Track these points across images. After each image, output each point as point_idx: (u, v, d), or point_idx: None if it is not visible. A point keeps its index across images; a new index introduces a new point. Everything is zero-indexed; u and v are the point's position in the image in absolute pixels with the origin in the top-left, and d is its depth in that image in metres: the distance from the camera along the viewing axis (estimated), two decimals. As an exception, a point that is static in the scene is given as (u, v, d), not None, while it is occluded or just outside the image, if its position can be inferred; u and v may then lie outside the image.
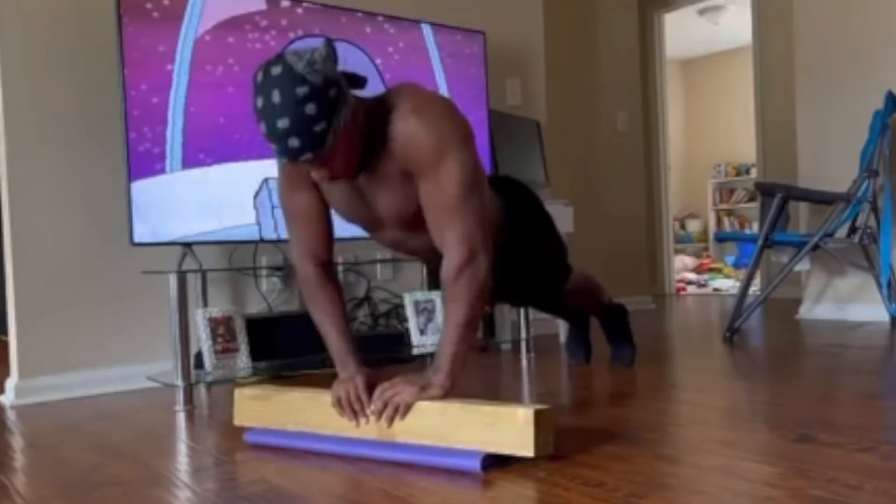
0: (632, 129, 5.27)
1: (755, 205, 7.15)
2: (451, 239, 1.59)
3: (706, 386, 2.34)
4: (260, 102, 1.45)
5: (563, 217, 3.50)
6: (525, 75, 3.92)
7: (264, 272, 2.95)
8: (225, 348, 2.57)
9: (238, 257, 2.87)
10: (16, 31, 2.54)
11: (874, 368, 2.51)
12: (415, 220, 1.70)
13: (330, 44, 1.49)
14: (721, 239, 4.10)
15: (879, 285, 3.52)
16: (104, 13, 2.58)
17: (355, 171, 1.61)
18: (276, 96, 1.42)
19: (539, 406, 1.48)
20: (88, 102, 2.65)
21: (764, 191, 3.61)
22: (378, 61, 2.96)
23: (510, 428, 1.46)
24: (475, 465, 1.46)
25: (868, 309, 3.79)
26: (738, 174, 8.14)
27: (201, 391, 2.56)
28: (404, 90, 1.62)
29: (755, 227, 7.54)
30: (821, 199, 3.70)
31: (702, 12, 6.74)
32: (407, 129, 1.55)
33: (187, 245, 2.54)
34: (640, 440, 1.67)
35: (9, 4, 2.53)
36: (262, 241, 2.69)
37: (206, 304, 2.70)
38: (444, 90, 3.15)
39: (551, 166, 3.96)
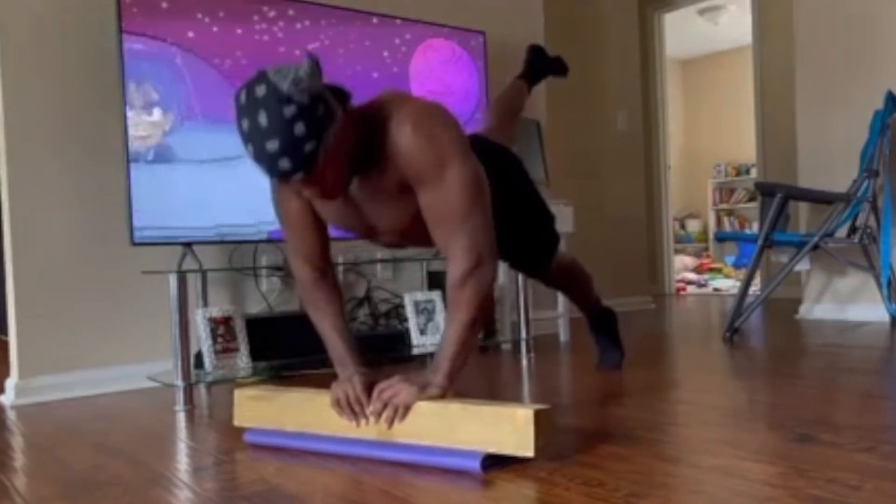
0: (632, 128, 5.27)
1: (755, 205, 7.15)
2: (458, 247, 1.58)
3: (706, 386, 2.34)
4: (246, 125, 1.41)
5: (563, 217, 3.50)
6: (525, 75, 3.91)
7: (264, 272, 2.95)
8: (225, 348, 2.57)
9: (238, 257, 2.87)
10: (16, 32, 2.54)
11: (874, 368, 2.51)
12: (410, 228, 1.69)
13: (313, 59, 1.45)
14: (721, 239, 4.10)
15: (879, 285, 3.52)
16: (104, 13, 2.58)
17: (345, 186, 1.58)
18: (262, 118, 1.38)
19: (539, 406, 1.48)
20: (88, 102, 2.65)
21: (764, 191, 3.61)
22: (380, 60, 2.96)
23: (510, 428, 1.46)
24: (475, 465, 1.46)
25: (868, 309, 3.79)
26: (738, 174, 8.14)
27: (201, 391, 2.56)
28: (396, 99, 1.59)
29: (755, 227, 7.54)
30: (821, 199, 3.70)
31: (702, 12, 6.74)
32: (406, 141, 1.52)
33: (187, 245, 2.54)
34: (640, 440, 1.67)
35: (9, 5, 2.53)
36: (261, 241, 2.69)
37: (206, 304, 2.70)
38: (443, 90, 3.15)
39: (551, 166, 3.96)
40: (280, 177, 1.43)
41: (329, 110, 1.43)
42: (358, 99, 1.58)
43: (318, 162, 1.43)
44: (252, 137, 1.40)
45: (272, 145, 1.38)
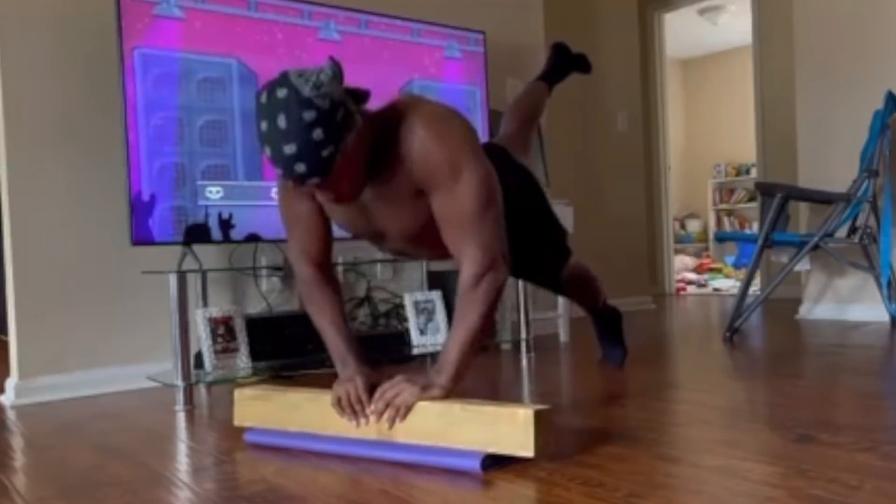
0: (632, 129, 5.27)
1: (755, 205, 7.15)
2: (471, 250, 1.58)
3: (706, 386, 2.34)
4: (264, 126, 1.41)
5: (563, 217, 3.49)
6: (525, 75, 3.91)
7: (264, 272, 2.95)
8: (225, 348, 2.57)
9: (238, 257, 2.87)
10: (16, 32, 2.54)
11: (874, 368, 2.51)
12: (420, 235, 1.69)
13: (335, 63, 1.45)
14: (721, 239, 4.10)
15: (879, 285, 3.52)
16: (104, 13, 2.58)
17: (359, 192, 1.58)
18: (281, 121, 1.38)
19: (539, 406, 1.48)
20: (88, 102, 2.65)
21: (764, 191, 3.61)
22: (380, 60, 2.96)
23: (510, 428, 1.46)
24: (475, 465, 1.46)
25: (868, 309, 3.79)
26: (738, 174, 8.14)
27: (201, 391, 2.56)
28: (411, 103, 1.59)
29: (755, 227, 7.54)
30: (821, 199, 3.70)
31: (702, 12, 6.74)
32: (418, 144, 1.52)
33: (187, 245, 2.54)
34: (640, 440, 1.67)
35: (9, 4, 2.53)
36: (261, 240, 2.69)
37: (206, 304, 2.70)
38: (443, 89, 3.15)
39: (551, 166, 3.97)
40: (296, 179, 1.43)
41: (348, 116, 1.43)
42: (359, 83, 1.57)
43: (335, 167, 1.43)
44: (270, 139, 1.41)
45: (290, 149, 1.39)
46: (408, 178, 1.56)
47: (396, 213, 1.64)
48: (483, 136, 3.27)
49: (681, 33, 7.14)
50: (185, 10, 2.51)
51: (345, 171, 1.46)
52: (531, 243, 2.11)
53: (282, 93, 1.39)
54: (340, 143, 1.41)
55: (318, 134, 1.38)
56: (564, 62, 2.65)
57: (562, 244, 2.25)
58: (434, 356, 2.96)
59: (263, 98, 1.42)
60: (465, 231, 1.58)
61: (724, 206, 8.35)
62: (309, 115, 1.38)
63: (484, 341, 1.66)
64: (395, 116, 1.55)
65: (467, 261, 1.59)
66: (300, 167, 1.40)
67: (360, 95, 1.52)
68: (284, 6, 2.72)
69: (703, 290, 6.72)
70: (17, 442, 1.99)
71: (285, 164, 1.41)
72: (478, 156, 1.58)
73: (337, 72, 1.44)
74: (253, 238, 2.65)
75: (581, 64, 2.70)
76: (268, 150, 1.42)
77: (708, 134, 8.40)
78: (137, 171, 2.40)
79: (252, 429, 1.81)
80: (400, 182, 1.57)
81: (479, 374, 2.74)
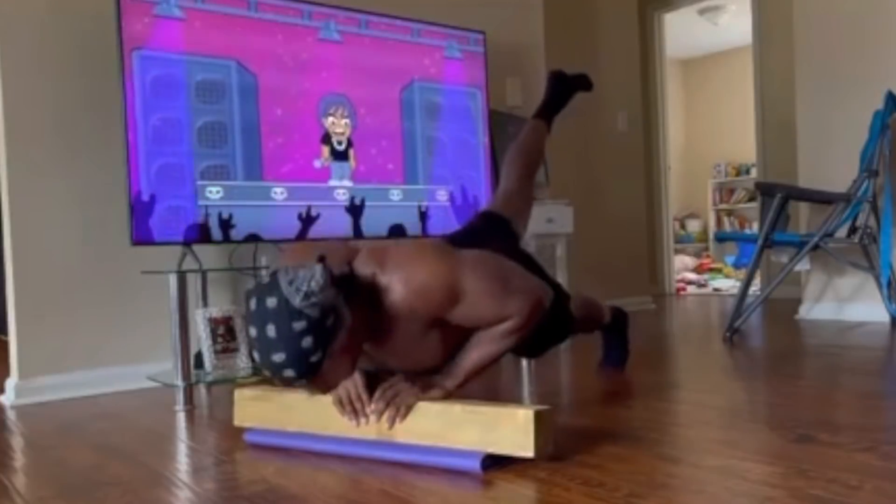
0: (632, 129, 5.26)
1: (755, 205, 7.15)
2: (516, 313, 1.62)
3: (706, 386, 2.34)
4: (254, 332, 1.40)
5: (563, 217, 3.51)
6: (525, 75, 3.92)
7: (264, 272, 2.95)
8: (225, 348, 2.57)
9: (238, 257, 2.87)
10: (16, 31, 2.54)
11: (874, 368, 2.51)
12: (429, 368, 1.71)
13: (325, 266, 1.42)
14: (721, 239, 4.10)
15: (879, 285, 3.52)
16: (104, 13, 2.58)
17: (351, 372, 1.57)
18: (271, 331, 1.37)
19: (539, 406, 1.48)
20: (88, 103, 2.65)
21: (764, 191, 3.61)
22: (380, 60, 2.96)
23: (510, 428, 1.46)
24: (475, 465, 1.46)
25: (868, 309, 3.79)
26: (738, 174, 8.14)
27: (201, 391, 2.56)
28: (377, 260, 1.55)
29: (755, 227, 7.54)
30: (821, 199, 3.70)
31: (702, 12, 6.73)
32: (408, 305, 1.51)
33: (187, 245, 2.54)
34: (641, 440, 1.67)
35: (9, 4, 2.53)
36: (261, 241, 2.69)
37: (206, 304, 2.70)
38: (443, 90, 3.15)
39: (551, 166, 3.96)
40: (284, 382, 1.43)
41: (339, 318, 1.41)
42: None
43: (324, 368, 1.42)
44: (259, 346, 1.40)
45: (278, 357, 1.38)
46: (408, 326, 1.56)
47: (400, 359, 1.67)
48: (483, 136, 3.27)
49: (681, 33, 7.13)
50: (185, 10, 2.51)
51: (334, 366, 1.45)
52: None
53: (271, 302, 1.38)
54: (329, 348, 1.40)
55: (307, 343, 1.37)
56: (565, 87, 2.60)
57: (566, 312, 2.16)
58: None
59: (253, 304, 1.40)
60: (501, 311, 1.61)
61: (724, 206, 8.35)
62: (299, 326, 1.36)
63: (493, 365, 1.71)
64: (370, 284, 1.52)
65: (515, 317, 1.62)
66: (288, 373, 1.40)
67: (353, 284, 1.48)
68: (284, 6, 2.73)
69: (703, 290, 6.72)
70: (17, 442, 1.99)
71: (273, 369, 1.40)
72: (459, 267, 1.57)
73: (327, 275, 1.41)
74: (253, 238, 2.66)
75: (583, 83, 2.65)
76: (256, 356, 1.42)
77: (708, 134, 8.40)
78: (137, 171, 2.40)
79: (252, 429, 1.81)
80: (399, 335, 1.57)
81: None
